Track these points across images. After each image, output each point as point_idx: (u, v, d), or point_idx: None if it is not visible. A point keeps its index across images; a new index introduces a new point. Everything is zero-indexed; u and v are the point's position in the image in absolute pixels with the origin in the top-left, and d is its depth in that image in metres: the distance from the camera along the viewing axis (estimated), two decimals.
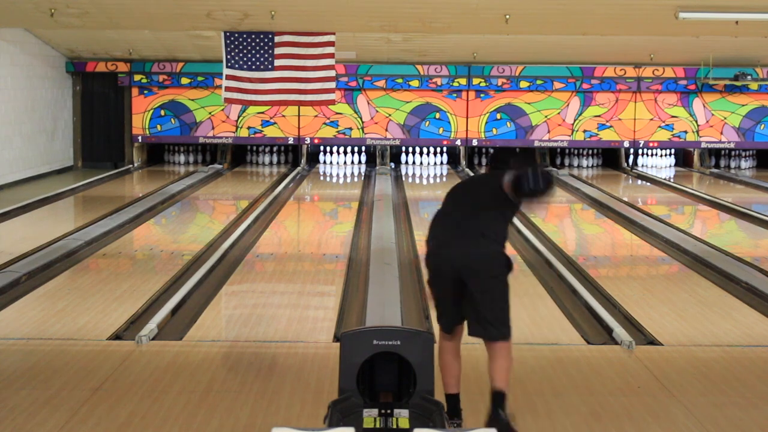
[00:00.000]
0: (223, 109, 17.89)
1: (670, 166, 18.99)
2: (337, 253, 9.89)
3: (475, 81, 17.90)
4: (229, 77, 12.32)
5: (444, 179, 17.17)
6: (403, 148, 18.60)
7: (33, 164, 15.90)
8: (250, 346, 6.42)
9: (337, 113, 18.02)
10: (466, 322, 4.80)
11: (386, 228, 10.90)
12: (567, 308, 7.53)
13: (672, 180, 17.08)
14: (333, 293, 8.10)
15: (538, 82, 17.93)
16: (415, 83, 17.90)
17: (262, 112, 17.94)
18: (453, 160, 18.57)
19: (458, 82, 17.91)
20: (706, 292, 8.13)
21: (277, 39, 12.14)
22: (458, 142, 18.19)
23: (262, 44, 12.12)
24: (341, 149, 18.61)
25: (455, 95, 18.08)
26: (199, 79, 17.75)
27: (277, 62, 12.21)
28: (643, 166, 18.84)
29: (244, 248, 9.93)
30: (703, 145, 18.49)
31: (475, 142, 18.21)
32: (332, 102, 12.86)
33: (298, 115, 18.06)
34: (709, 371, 5.90)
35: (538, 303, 7.68)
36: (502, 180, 4.64)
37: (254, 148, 18.79)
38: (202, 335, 6.67)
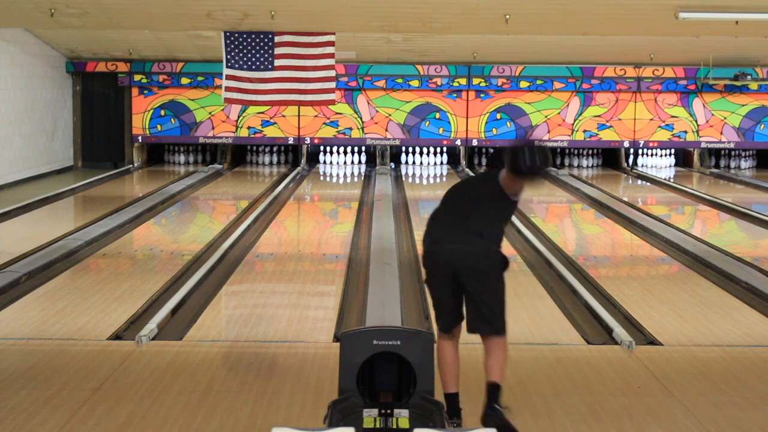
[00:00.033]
0: (223, 109, 17.88)
1: (670, 166, 18.98)
2: (337, 253, 9.89)
3: (475, 81, 17.89)
4: (229, 77, 12.32)
5: (444, 179, 17.16)
6: (403, 148, 18.59)
7: (33, 164, 15.90)
8: (250, 346, 6.42)
9: (337, 113, 18.02)
10: (464, 321, 4.82)
11: (386, 228, 10.90)
12: (567, 308, 7.52)
13: (672, 180, 17.07)
14: (333, 293, 8.10)
15: (538, 82, 17.92)
16: (415, 83, 17.90)
17: (262, 112, 17.93)
18: (453, 160, 18.56)
19: (458, 82, 17.90)
20: (706, 292, 8.13)
21: (277, 39, 12.14)
22: (458, 142, 18.18)
23: (262, 44, 12.12)
24: (341, 149, 18.59)
25: (455, 95, 18.08)
26: (199, 79, 17.75)
27: (277, 62, 12.21)
28: (643, 166, 18.83)
29: (244, 248, 9.93)
30: (703, 145, 18.48)
31: (475, 142, 18.21)
32: (332, 102, 12.86)
33: (298, 115, 18.05)
34: (709, 371, 5.90)
35: (538, 303, 7.68)
36: (499, 177, 4.65)
37: (254, 148, 18.78)
38: (202, 335, 6.67)
